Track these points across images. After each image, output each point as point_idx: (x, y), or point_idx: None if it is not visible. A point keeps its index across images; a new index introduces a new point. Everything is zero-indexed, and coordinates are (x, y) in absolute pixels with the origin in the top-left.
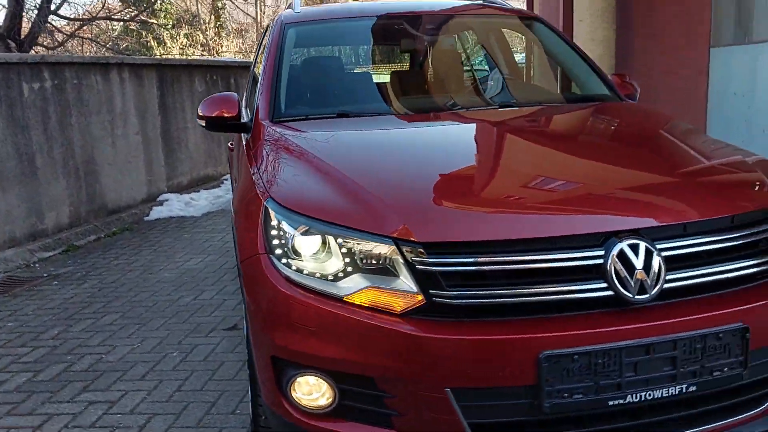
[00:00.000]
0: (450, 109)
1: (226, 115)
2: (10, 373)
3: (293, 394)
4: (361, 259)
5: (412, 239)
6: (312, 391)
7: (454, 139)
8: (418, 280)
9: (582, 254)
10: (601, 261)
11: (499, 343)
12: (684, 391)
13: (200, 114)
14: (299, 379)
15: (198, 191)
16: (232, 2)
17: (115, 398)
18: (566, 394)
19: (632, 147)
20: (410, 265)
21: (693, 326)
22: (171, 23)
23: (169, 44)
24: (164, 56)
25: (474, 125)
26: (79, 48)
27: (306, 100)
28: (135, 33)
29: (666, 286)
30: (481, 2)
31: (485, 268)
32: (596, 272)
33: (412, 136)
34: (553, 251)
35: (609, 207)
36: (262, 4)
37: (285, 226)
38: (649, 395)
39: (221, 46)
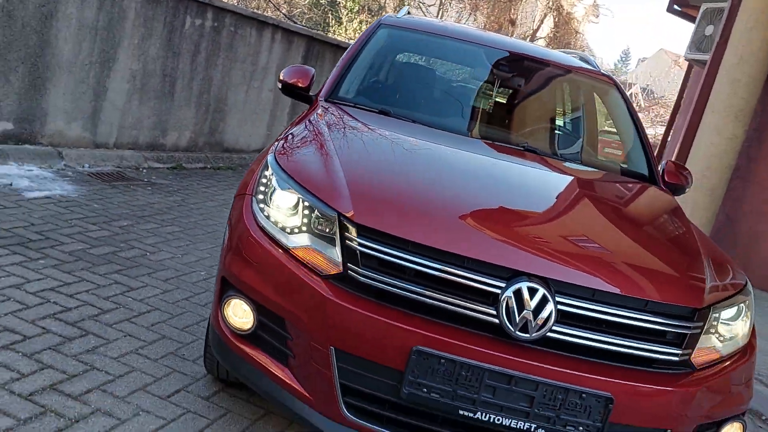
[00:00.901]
0: (486, 139)
1: (299, 84)
2: (72, 240)
3: (226, 311)
4: (314, 224)
5: (353, 219)
6: (242, 315)
7: (458, 160)
8: (343, 253)
9: (485, 280)
10: (499, 291)
11: (384, 325)
12: (532, 430)
13: (280, 78)
14: (234, 301)
15: None
16: (419, 7)
17: (135, 286)
18: (425, 389)
19: (613, 217)
20: (342, 240)
21: (560, 377)
22: (356, 7)
23: (345, 26)
24: (329, 35)
25: (492, 156)
26: (257, 4)
27: (364, 90)
28: (322, 8)
29: (552, 335)
30: (578, 57)
31: (397, 261)
32: (492, 300)
33: (423, 146)
34: (462, 269)
35: (533, 250)
36: (444, 11)
37: (273, 180)
38: (498, 420)
39: None
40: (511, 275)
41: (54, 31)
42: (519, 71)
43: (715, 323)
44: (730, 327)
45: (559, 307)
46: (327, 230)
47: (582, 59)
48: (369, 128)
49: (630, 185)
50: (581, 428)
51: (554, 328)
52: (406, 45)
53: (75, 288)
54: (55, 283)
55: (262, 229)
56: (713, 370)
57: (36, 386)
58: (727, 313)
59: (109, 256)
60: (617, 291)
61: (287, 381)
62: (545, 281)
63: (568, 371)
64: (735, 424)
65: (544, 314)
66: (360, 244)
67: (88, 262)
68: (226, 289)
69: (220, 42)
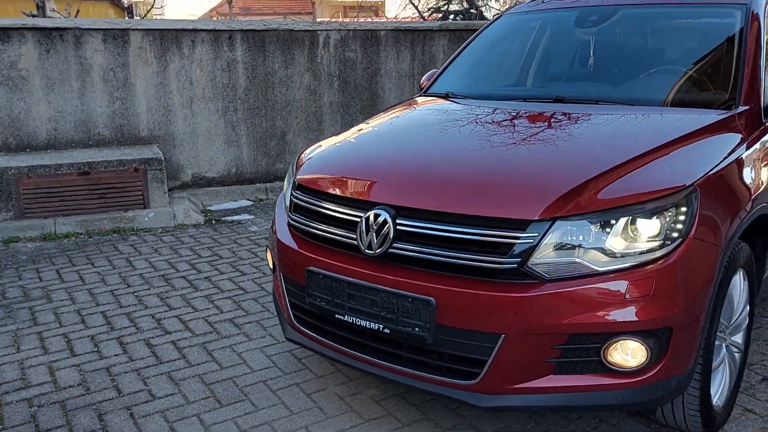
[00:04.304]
0: (540, 100)
1: (423, 86)
2: None
3: (267, 256)
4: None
5: (296, 179)
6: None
7: (439, 129)
8: (290, 204)
9: (354, 212)
10: (358, 220)
11: (294, 253)
12: (381, 329)
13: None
14: (268, 250)
15: None
16: None
17: None
18: (318, 299)
19: (518, 144)
20: (291, 195)
21: (393, 285)
22: None
23: None
24: None
25: (497, 117)
26: None
27: (449, 81)
28: None
29: (394, 251)
30: None
31: (304, 204)
32: (355, 227)
33: (430, 121)
34: (343, 206)
35: (388, 186)
36: None
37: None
38: (359, 322)
39: None
40: (370, 206)
41: (380, 84)
42: (628, 23)
43: (595, 236)
44: (627, 239)
45: (400, 227)
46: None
47: None
48: (398, 114)
49: (653, 114)
50: (417, 329)
51: (396, 245)
52: (521, 27)
53: None
54: None
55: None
56: (571, 282)
57: None
58: (642, 223)
59: None
60: (448, 210)
61: (280, 300)
62: (395, 208)
63: (399, 279)
64: (627, 342)
65: (384, 234)
66: (294, 196)
67: None
68: None
69: None
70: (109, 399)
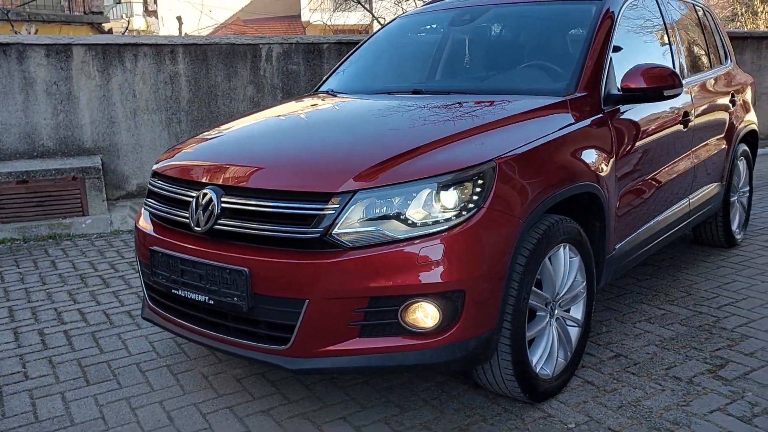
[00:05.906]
0: (399, 93)
1: None
2: None
3: None
4: None
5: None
6: None
7: (293, 118)
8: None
9: (190, 193)
10: (191, 200)
11: (145, 235)
12: (207, 301)
13: None
14: None
15: None
16: None
17: None
18: (160, 276)
19: (353, 130)
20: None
21: (214, 258)
22: None
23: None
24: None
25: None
26: None
27: (336, 79)
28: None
29: (219, 227)
30: None
31: (155, 190)
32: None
33: (318, 109)
34: (183, 188)
35: (218, 168)
36: None
37: None
38: (190, 296)
39: None
40: (203, 187)
41: None
42: (497, 20)
43: (396, 207)
44: (426, 209)
45: (225, 205)
46: None
47: None
48: (266, 109)
49: (484, 103)
50: (235, 298)
51: (220, 221)
52: (408, 28)
53: None
54: None
55: None
56: (370, 249)
57: None
58: (441, 195)
59: None
60: (263, 187)
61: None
62: (223, 188)
63: (221, 253)
64: (421, 304)
65: (210, 211)
66: (149, 183)
67: None
68: None
69: None
70: None
